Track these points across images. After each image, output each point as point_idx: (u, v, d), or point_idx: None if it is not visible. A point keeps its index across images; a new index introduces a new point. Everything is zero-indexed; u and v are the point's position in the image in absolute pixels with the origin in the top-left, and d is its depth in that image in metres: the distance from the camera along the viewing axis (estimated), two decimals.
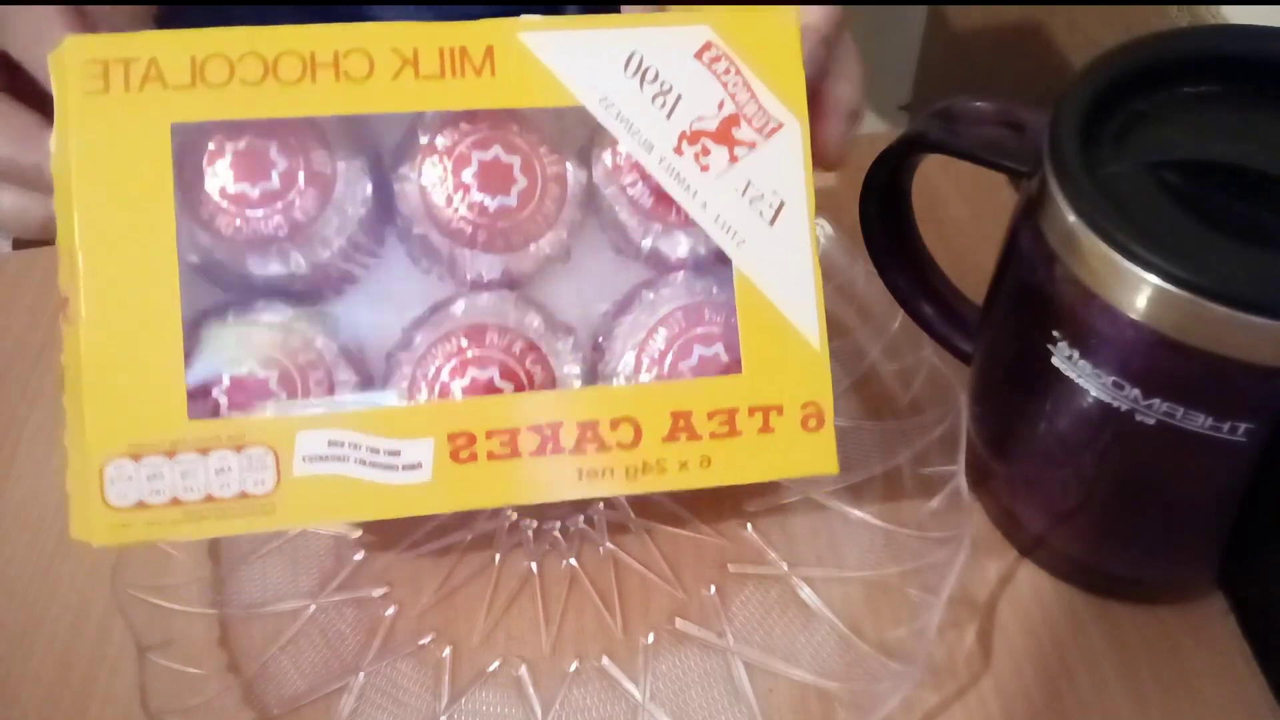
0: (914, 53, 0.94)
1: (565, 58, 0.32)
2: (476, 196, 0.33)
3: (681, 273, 0.36)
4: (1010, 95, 0.36)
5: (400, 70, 0.31)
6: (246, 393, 0.32)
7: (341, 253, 0.33)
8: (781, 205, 0.33)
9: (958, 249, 0.43)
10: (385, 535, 0.42)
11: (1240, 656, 0.37)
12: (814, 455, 0.33)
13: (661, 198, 0.34)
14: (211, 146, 0.32)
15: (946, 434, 0.42)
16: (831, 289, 0.47)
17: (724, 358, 0.34)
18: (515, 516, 0.42)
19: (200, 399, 0.31)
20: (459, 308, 0.34)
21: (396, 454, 0.31)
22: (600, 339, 0.36)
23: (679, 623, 0.39)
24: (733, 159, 0.33)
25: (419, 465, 0.31)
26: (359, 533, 0.42)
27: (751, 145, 0.33)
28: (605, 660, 0.38)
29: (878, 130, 0.41)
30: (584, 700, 0.37)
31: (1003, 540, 0.41)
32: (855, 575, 0.40)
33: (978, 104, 0.36)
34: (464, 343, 0.34)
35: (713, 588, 0.40)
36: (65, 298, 0.30)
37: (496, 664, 0.38)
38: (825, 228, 0.47)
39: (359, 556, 0.41)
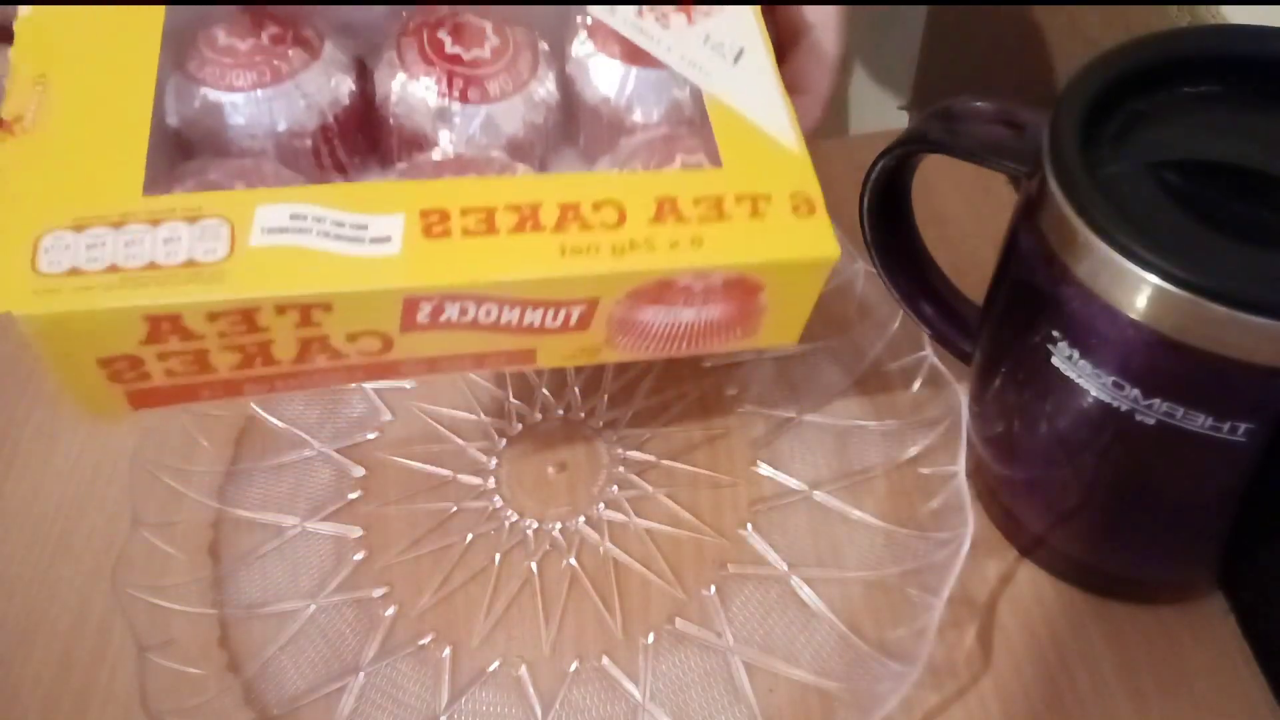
0: (914, 53, 0.94)
1: None
2: (452, 49, 0.35)
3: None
4: (1010, 95, 0.36)
5: None
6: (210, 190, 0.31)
7: (320, 125, 0.34)
8: (742, 50, 0.35)
9: (958, 249, 0.43)
10: (385, 535, 0.42)
11: (1240, 656, 0.37)
12: (810, 238, 0.32)
13: (630, 55, 0.36)
14: (209, 19, 0.34)
15: (947, 434, 0.42)
16: (831, 289, 0.47)
17: (706, 164, 0.34)
18: (516, 517, 0.42)
19: (159, 192, 0.30)
20: (434, 152, 0.35)
21: (364, 227, 0.29)
22: None
23: (679, 623, 0.39)
24: (690, 21, 0.35)
25: (388, 239, 0.29)
26: (359, 532, 0.42)
27: (707, 13, 0.35)
28: (605, 660, 0.38)
29: (878, 130, 0.41)
30: (584, 700, 0.37)
31: (1003, 540, 0.41)
32: (855, 575, 0.40)
33: (978, 104, 0.36)
34: (438, 163, 0.34)
35: (713, 588, 0.40)
36: (15, 117, 0.30)
37: (496, 664, 0.38)
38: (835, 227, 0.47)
39: (359, 556, 0.41)
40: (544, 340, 0.33)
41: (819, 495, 0.43)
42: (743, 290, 0.33)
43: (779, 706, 0.37)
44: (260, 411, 0.46)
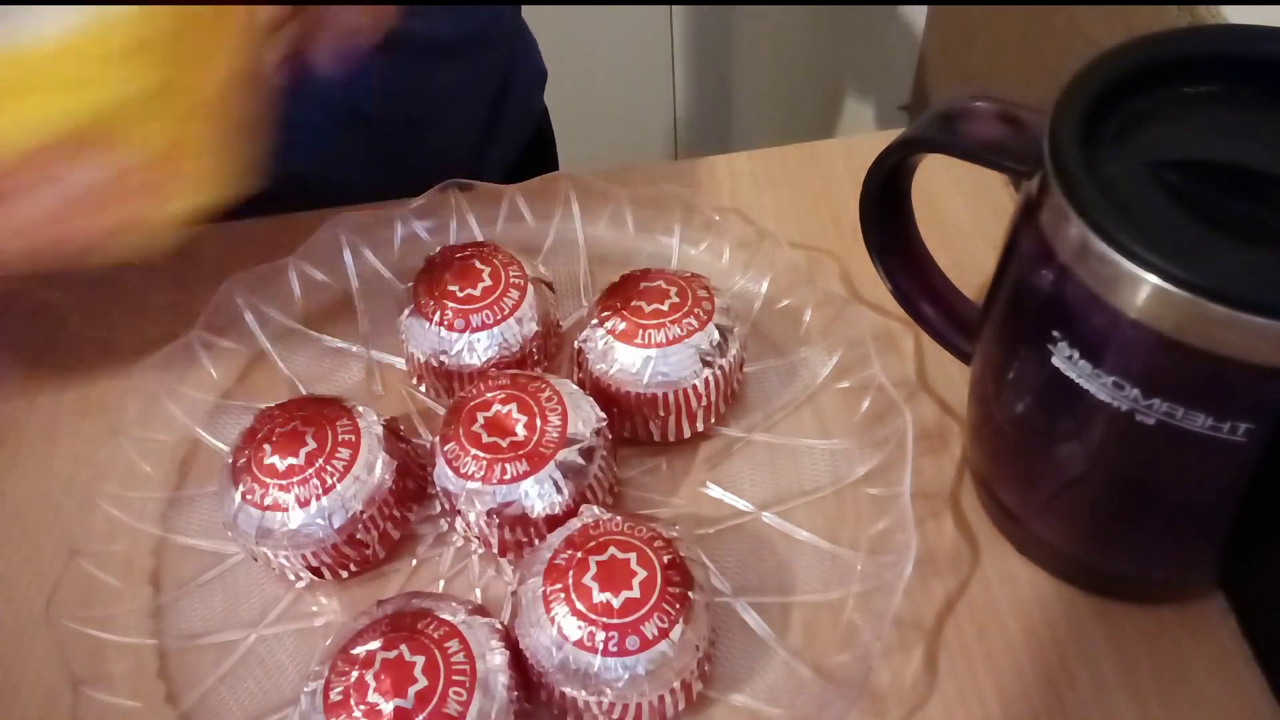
0: (914, 53, 0.94)
1: None
2: None
3: None
4: (1010, 95, 0.36)
5: None
6: None
7: None
8: None
9: (958, 249, 0.43)
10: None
11: (1240, 656, 0.37)
12: None
13: None
14: None
15: (894, 454, 0.41)
16: (783, 307, 0.47)
17: None
18: (461, 542, 0.41)
19: None
20: None
21: None
22: None
23: None
24: None
25: None
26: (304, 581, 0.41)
27: None
28: None
29: (878, 130, 0.41)
30: None
31: (1002, 540, 0.41)
32: (801, 599, 0.39)
33: (978, 104, 0.36)
34: None
35: None
36: None
37: None
38: (790, 249, 0.47)
39: (302, 583, 0.40)
40: None
41: (768, 517, 0.42)
42: None
43: None
44: (206, 436, 0.45)
